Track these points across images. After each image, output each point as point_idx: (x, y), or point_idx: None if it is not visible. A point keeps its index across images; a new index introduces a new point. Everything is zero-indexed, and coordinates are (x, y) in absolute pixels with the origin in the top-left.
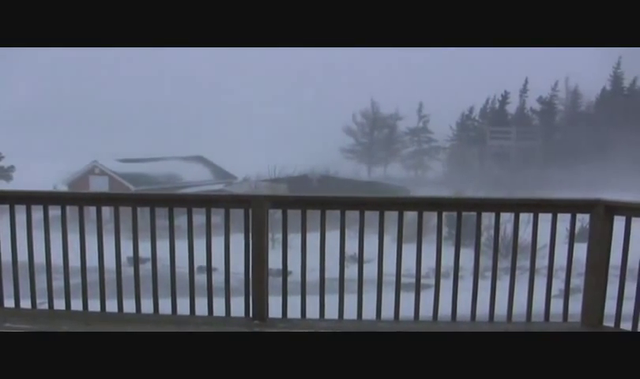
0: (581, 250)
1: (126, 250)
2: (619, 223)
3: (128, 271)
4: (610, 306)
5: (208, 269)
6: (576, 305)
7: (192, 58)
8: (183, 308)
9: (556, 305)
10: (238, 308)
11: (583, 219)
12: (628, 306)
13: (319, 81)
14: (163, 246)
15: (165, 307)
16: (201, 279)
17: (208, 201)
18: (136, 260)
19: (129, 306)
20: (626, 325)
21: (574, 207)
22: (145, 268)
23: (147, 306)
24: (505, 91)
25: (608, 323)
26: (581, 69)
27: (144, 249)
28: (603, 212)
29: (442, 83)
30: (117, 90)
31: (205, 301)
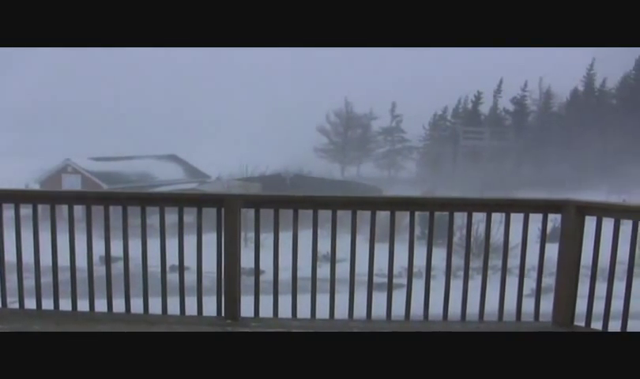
0: (552, 250)
1: (98, 249)
2: (590, 222)
3: (100, 270)
4: (581, 306)
5: (181, 268)
6: (547, 305)
7: (166, 57)
8: (155, 307)
9: (528, 305)
10: (210, 307)
11: (555, 219)
12: (599, 306)
13: (293, 81)
14: (135, 245)
15: (137, 306)
16: (173, 278)
17: (180, 200)
18: (108, 259)
19: (100, 306)
20: (596, 325)
21: (545, 207)
22: (117, 267)
23: (119, 305)
24: (478, 92)
25: (579, 322)
26: (554, 70)
27: (117, 248)
28: (574, 212)
29: (415, 83)
30: (90, 89)
31: (178, 300)
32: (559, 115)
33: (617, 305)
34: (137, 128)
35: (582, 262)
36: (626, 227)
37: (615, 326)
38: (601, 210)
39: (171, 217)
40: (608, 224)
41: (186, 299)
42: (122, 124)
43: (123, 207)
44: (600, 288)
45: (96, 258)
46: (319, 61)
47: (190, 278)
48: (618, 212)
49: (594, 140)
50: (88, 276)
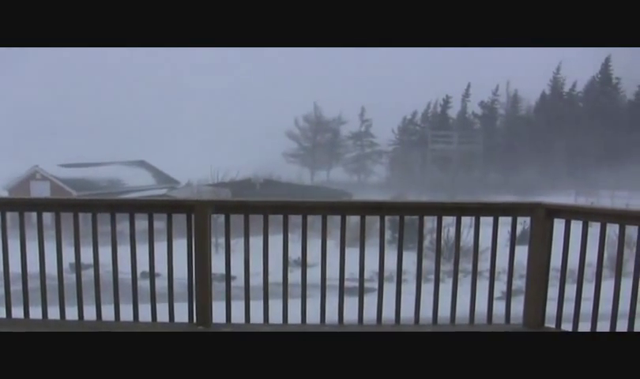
0: (522, 253)
1: (68, 256)
2: (559, 225)
3: (70, 277)
4: (551, 307)
5: (151, 275)
6: (518, 307)
7: (134, 61)
8: (126, 314)
9: (499, 307)
10: (181, 313)
11: (524, 223)
12: (569, 307)
13: (262, 85)
14: (105, 252)
15: (108, 314)
16: (144, 284)
17: (150, 206)
18: (78, 267)
19: (71, 313)
20: (567, 326)
21: (515, 210)
22: (88, 275)
23: (90, 313)
24: (447, 96)
25: (550, 324)
26: (521, 74)
27: (87, 255)
28: (543, 215)
29: (383, 87)
30: (58, 93)
31: (149, 307)
32: (527, 119)
33: (587, 306)
34: (105, 134)
35: (552, 264)
36: (595, 229)
37: (584, 327)
38: (570, 212)
39: (141, 223)
40: (576, 227)
41: (158, 306)
42: (90, 130)
43: (93, 214)
44: (570, 290)
45: (65, 265)
46: (287, 65)
47: (161, 284)
48: (586, 215)
49: (562, 144)
50: (59, 284)
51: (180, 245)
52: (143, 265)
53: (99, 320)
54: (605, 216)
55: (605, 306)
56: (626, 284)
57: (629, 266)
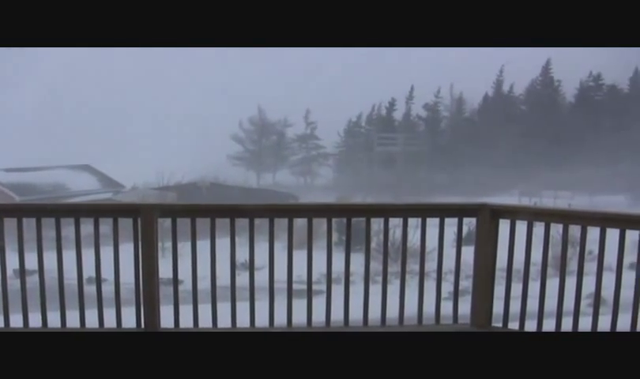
0: (468, 253)
1: (12, 262)
2: (504, 225)
3: (14, 284)
4: (498, 307)
5: (98, 280)
6: (465, 307)
7: (77, 63)
8: (73, 320)
9: (446, 308)
10: (129, 318)
11: (470, 223)
12: (515, 306)
13: (205, 88)
14: (50, 257)
15: (54, 320)
16: (90, 290)
17: (96, 211)
18: (22, 273)
19: (15, 321)
20: (513, 325)
21: (460, 211)
22: (32, 281)
23: (35, 320)
24: (392, 98)
25: (497, 323)
26: (464, 76)
27: (31, 261)
28: (488, 216)
29: (328, 89)
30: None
31: (96, 312)
32: (471, 121)
33: (532, 304)
34: (49, 137)
35: (498, 264)
36: (539, 229)
37: (531, 325)
38: (514, 213)
39: (87, 228)
40: (521, 227)
41: (105, 311)
42: (33, 133)
43: (37, 219)
44: (516, 289)
45: (9, 272)
46: (231, 67)
47: (108, 289)
48: (530, 215)
49: (505, 145)
50: (2, 290)
51: (126, 250)
52: (89, 270)
53: (45, 327)
54: (549, 216)
55: (550, 304)
56: (570, 283)
57: (572, 265)
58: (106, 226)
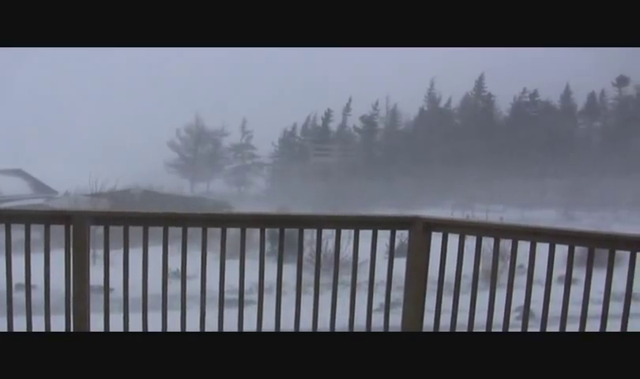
0: (400, 265)
1: None
2: (436, 238)
3: None
4: (429, 319)
5: (27, 287)
6: (396, 319)
7: (10, 63)
8: (0, 327)
9: (377, 319)
10: (59, 326)
11: (402, 235)
12: (445, 319)
13: (143, 94)
14: None
15: None
16: (19, 297)
17: (26, 217)
18: None
19: None
20: None
21: (393, 224)
22: None
23: None
24: (328, 109)
25: None
26: (400, 89)
27: None
28: (421, 229)
29: (264, 99)
30: None
31: (24, 319)
32: (406, 133)
33: (463, 318)
34: None
35: (429, 277)
36: (471, 242)
37: None
38: (446, 226)
39: (17, 234)
40: (452, 240)
41: (34, 318)
42: None
43: None
44: (447, 301)
45: None
46: (169, 74)
47: (38, 296)
48: (462, 228)
49: (439, 158)
50: None
51: (58, 257)
52: (18, 277)
53: None
54: (481, 230)
55: (480, 317)
56: (500, 296)
57: (502, 278)
58: (37, 232)
